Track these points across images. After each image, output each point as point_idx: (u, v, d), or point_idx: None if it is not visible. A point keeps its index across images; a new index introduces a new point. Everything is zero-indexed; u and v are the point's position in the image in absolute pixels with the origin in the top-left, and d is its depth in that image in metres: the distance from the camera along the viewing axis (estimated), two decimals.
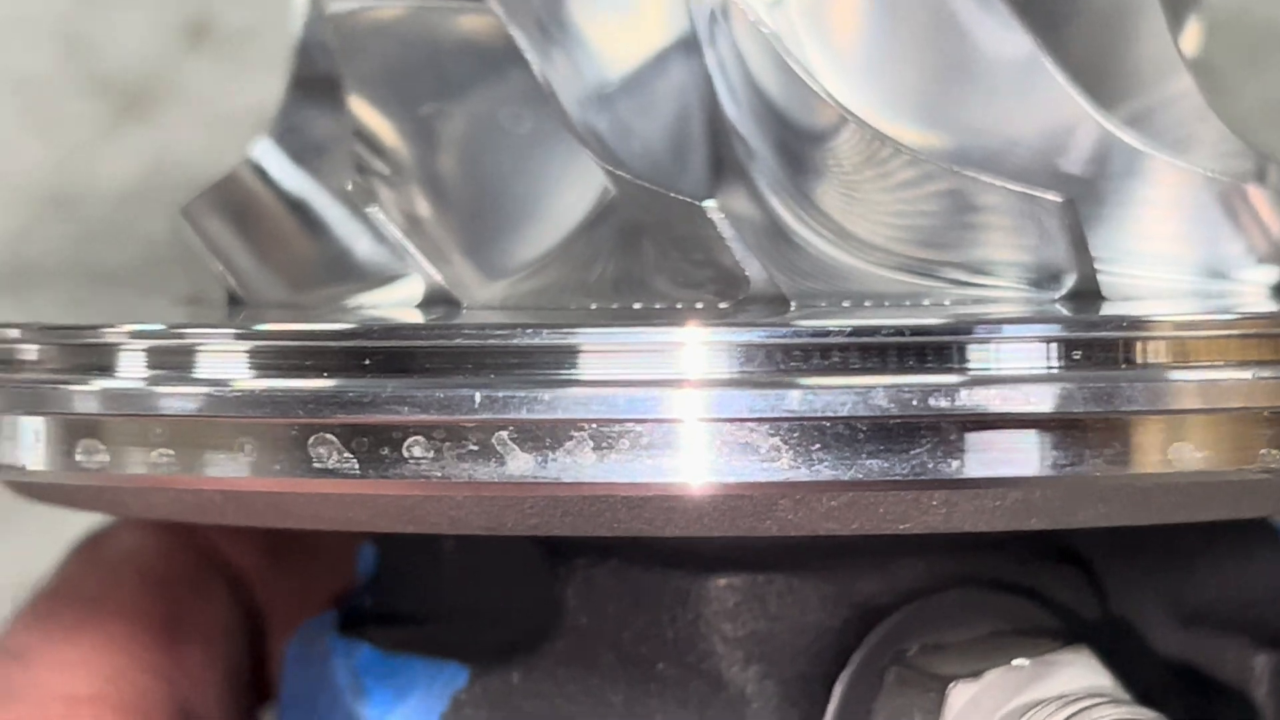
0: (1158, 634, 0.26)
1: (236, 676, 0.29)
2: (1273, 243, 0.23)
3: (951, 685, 0.22)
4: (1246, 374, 0.18)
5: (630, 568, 0.23)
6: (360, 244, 0.23)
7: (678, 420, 0.16)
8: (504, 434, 0.16)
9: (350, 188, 0.20)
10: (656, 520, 0.19)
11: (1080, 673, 0.23)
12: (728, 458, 0.16)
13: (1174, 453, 0.18)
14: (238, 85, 0.45)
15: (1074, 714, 0.22)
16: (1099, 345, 0.18)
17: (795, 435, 0.16)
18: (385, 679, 0.24)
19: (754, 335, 0.17)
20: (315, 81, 0.24)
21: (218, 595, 0.29)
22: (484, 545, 0.23)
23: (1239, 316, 0.20)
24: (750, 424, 0.16)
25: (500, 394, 0.16)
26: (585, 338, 0.16)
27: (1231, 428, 0.18)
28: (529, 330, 0.17)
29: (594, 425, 0.16)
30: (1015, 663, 0.23)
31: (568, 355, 0.16)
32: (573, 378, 0.16)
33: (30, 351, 0.18)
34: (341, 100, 0.23)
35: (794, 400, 0.16)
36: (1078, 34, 0.23)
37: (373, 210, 0.20)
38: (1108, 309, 0.22)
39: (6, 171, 0.44)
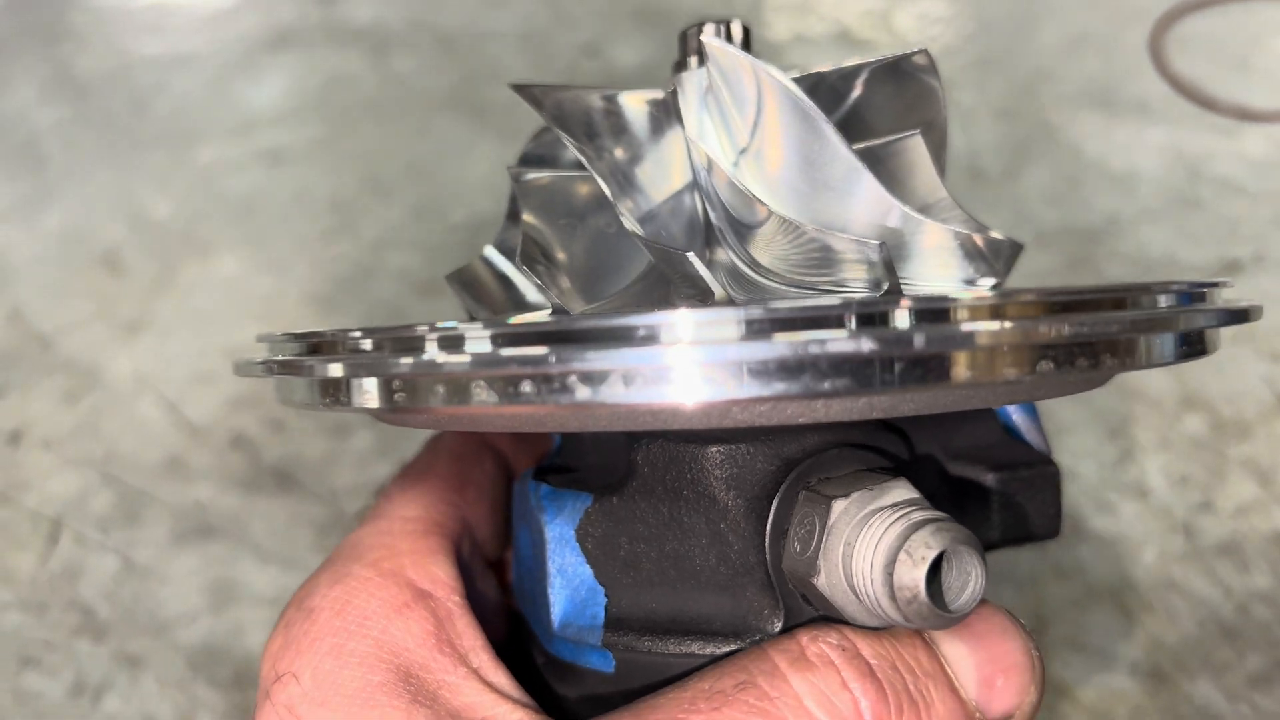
0: (941, 466, 0.36)
1: (496, 501, 0.42)
2: (990, 266, 0.35)
3: (833, 500, 0.31)
4: (995, 325, 0.26)
5: (668, 442, 0.33)
6: (529, 294, 0.40)
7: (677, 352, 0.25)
8: (574, 377, 0.26)
9: (522, 264, 0.36)
10: (672, 422, 0.29)
11: (903, 491, 0.31)
12: (720, 384, 0.25)
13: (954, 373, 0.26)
14: None
15: (900, 515, 0.30)
16: (926, 313, 0.26)
17: (761, 370, 0.25)
18: (552, 501, 0.35)
19: (711, 315, 0.26)
20: (512, 217, 0.41)
21: (489, 460, 0.43)
22: (599, 434, 0.34)
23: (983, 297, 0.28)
24: (735, 365, 0.25)
25: (591, 355, 0.26)
26: (624, 321, 0.28)
27: (988, 356, 0.26)
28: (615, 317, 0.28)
29: (629, 369, 0.26)
30: (868, 487, 0.31)
31: (617, 331, 0.27)
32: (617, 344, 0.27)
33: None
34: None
35: (756, 350, 0.25)
36: (892, 170, 0.37)
37: (530, 273, 0.35)
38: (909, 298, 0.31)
39: None
